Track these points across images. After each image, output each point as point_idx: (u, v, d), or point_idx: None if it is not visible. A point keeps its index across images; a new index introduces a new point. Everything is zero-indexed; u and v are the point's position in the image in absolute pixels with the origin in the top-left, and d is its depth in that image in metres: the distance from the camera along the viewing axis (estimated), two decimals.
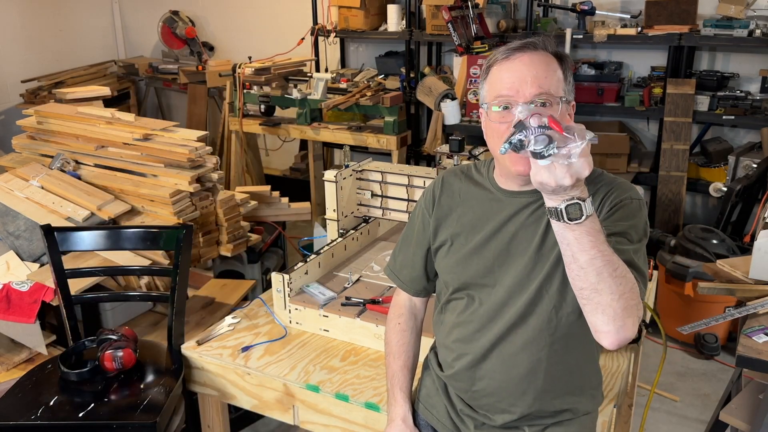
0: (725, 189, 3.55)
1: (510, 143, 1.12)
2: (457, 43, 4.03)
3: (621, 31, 3.90)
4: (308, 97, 4.18)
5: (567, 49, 3.96)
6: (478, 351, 1.43)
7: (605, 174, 1.40)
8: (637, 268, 1.24)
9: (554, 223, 1.16)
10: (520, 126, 1.12)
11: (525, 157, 1.27)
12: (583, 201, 1.12)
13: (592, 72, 4.15)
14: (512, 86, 1.29)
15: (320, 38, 4.88)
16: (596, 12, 4.03)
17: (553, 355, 1.39)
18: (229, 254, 2.87)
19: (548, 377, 1.40)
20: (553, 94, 1.28)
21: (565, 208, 1.12)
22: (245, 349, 1.99)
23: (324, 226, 2.71)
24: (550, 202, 1.14)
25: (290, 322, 2.10)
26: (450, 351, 1.49)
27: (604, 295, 1.15)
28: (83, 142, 3.00)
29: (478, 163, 1.53)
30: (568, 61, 1.35)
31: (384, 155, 4.31)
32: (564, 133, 1.08)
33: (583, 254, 1.14)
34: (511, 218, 1.39)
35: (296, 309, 2.08)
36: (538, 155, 1.09)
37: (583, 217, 1.12)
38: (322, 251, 2.28)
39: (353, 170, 2.47)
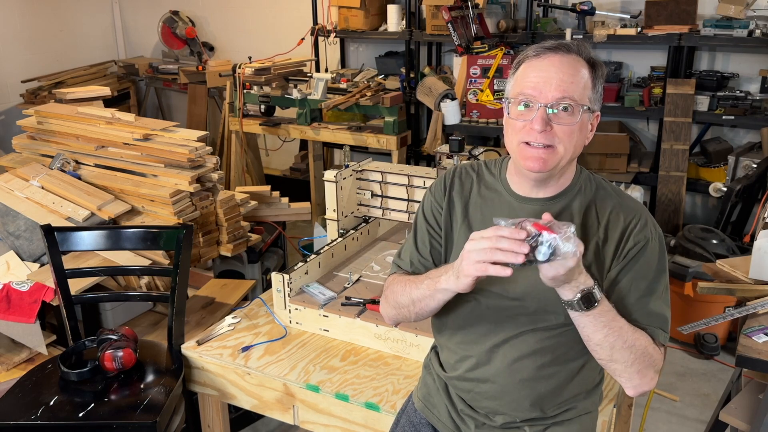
0: (725, 189, 3.55)
1: (530, 262, 1.15)
2: (457, 43, 4.03)
3: (621, 31, 3.89)
4: (308, 97, 4.18)
5: None
6: (482, 353, 1.41)
7: (613, 193, 1.39)
8: (663, 317, 1.35)
9: (570, 312, 1.25)
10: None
11: (536, 154, 1.28)
12: (593, 288, 1.21)
13: None
14: (536, 86, 1.27)
15: (320, 38, 4.89)
16: (596, 12, 4.03)
17: (558, 362, 1.39)
18: (229, 254, 2.87)
19: (551, 383, 1.40)
20: (576, 100, 1.26)
21: (580, 298, 1.21)
22: (245, 349, 1.99)
23: (324, 226, 2.71)
24: (566, 295, 1.22)
25: (290, 322, 2.10)
26: (453, 353, 1.48)
27: (619, 364, 1.28)
28: (83, 142, 3.01)
29: (490, 162, 1.48)
30: (601, 70, 1.32)
31: (384, 155, 4.31)
32: (553, 230, 1.14)
33: (597, 334, 1.25)
34: None
35: (296, 309, 2.08)
36: (548, 261, 1.14)
37: (597, 304, 1.22)
38: (322, 251, 2.28)
39: (353, 170, 2.47)
